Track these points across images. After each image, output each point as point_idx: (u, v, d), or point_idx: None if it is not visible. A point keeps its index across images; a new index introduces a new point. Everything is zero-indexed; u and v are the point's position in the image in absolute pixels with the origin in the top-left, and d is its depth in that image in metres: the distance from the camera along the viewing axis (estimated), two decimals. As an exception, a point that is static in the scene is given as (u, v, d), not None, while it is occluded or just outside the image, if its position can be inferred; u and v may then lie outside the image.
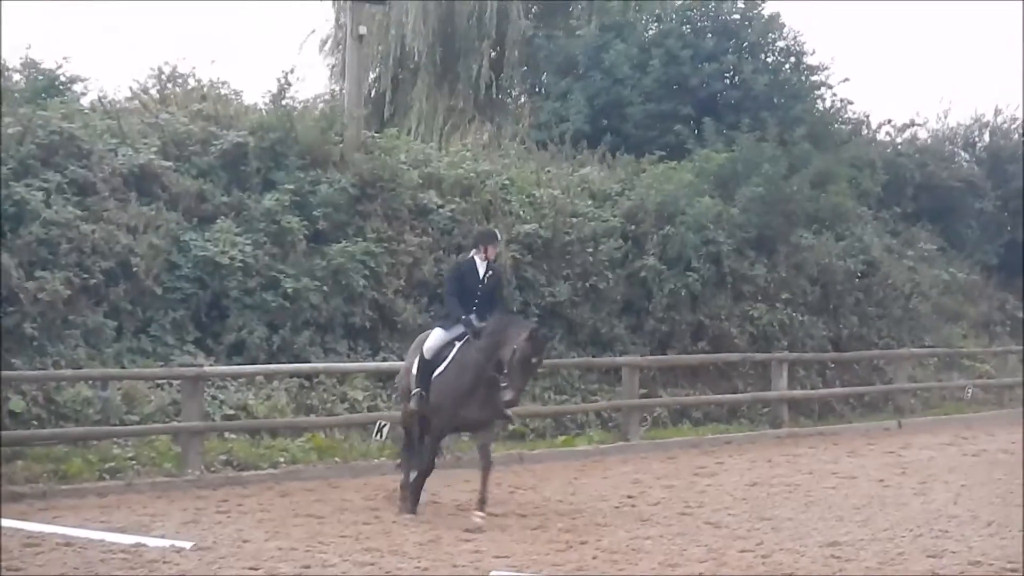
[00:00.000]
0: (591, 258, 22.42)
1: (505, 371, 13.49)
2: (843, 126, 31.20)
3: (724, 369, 23.77)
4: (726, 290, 24.00)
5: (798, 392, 23.85)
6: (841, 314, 25.89)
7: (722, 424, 22.59)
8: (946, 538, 12.89)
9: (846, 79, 30.64)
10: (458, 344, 13.97)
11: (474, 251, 14.47)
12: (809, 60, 30.89)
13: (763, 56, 30.57)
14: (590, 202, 23.63)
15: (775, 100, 29.42)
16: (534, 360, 13.74)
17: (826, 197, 26.26)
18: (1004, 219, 33.24)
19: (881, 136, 32.90)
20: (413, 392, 14.12)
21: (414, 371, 14.23)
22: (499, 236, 15.29)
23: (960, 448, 21.12)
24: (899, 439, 22.21)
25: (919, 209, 31.27)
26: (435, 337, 14.20)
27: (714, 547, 12.25)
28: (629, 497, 14.98)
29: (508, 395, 13.52)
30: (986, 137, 35.32)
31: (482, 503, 13.52)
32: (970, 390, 27.50)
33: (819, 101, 30.81)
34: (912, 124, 33.68)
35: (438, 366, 13.96)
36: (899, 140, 33.34)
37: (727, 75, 29.85)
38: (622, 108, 28.76)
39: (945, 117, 35.06)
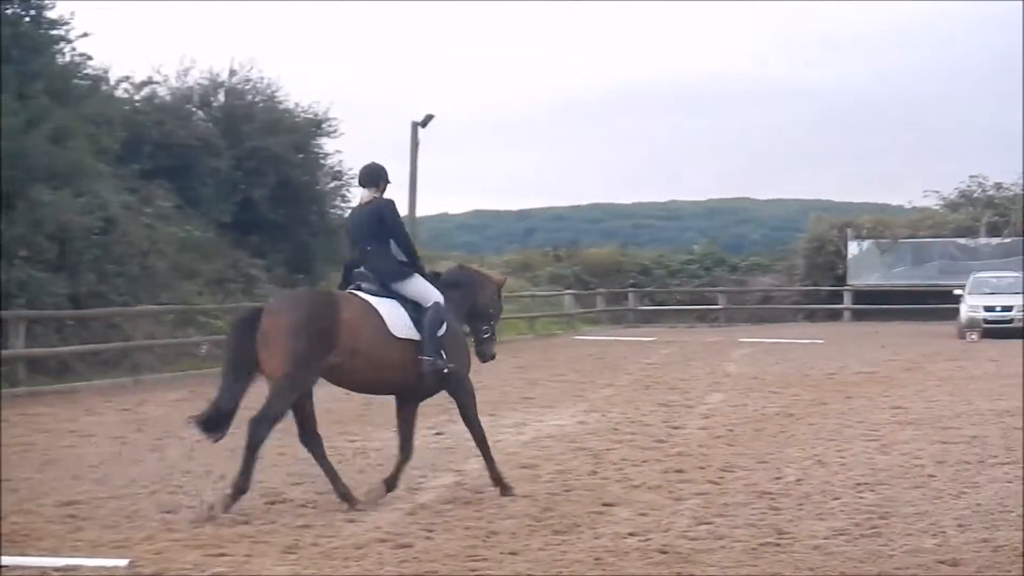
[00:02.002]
0: None
1: (492, 323, 12.68)
2: (83, 81, 31.10)
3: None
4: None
5: (36, 350, 23.55)
6: (80, 271, 25.80)
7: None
8: (181, 493, 13.41)
9: (85, 34, 30.43)
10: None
11: (371, 190, 12.18)
12: (50, 14, 30.51)
13: (2, 8, 29.84)
14: None
15: (14, 53, 28.86)
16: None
17: (65, 153, 26.12)
18: (238, 178, 34.46)
19: (120, 93, 33.17)
20: (430, 361, 11.73)
21: (410, 330, 11.81)
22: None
23: (194, 404, 21.69)
24: (136, 396, 22.53)
25: (157, 167, 31.84)
26: (429, 286, 12.08)
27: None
28: None
29: (493, 348, 12.83)
30: (221, 97, 36.55)
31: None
32: (204, 347, 28.39)
33: (59, 56, 30.53)
34: (151, 82, 34.31)
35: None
36: (138, 97, 33.80)
37: (-35, 26, 28.88)
38: None
39: (185, 75, 35.99)
